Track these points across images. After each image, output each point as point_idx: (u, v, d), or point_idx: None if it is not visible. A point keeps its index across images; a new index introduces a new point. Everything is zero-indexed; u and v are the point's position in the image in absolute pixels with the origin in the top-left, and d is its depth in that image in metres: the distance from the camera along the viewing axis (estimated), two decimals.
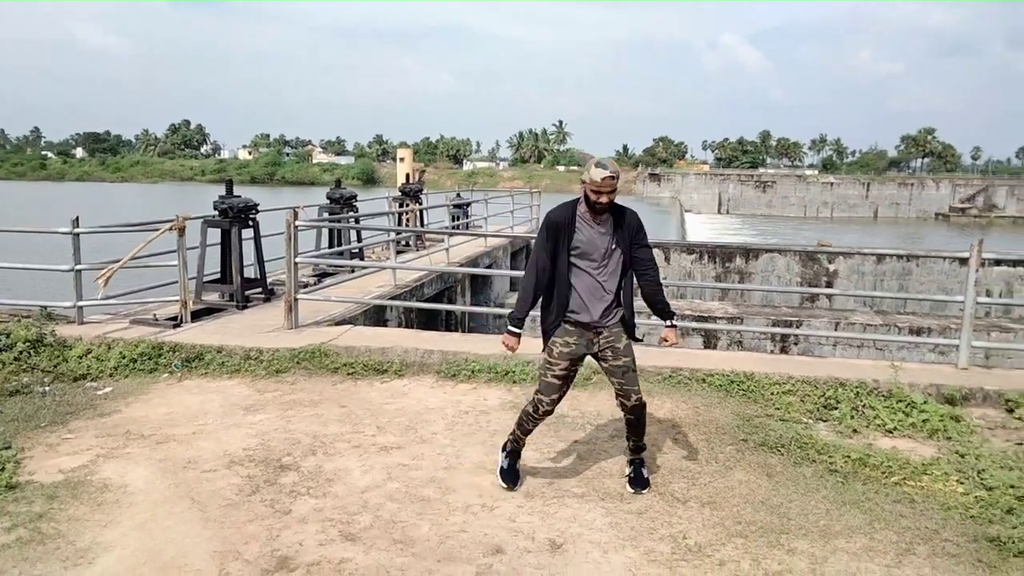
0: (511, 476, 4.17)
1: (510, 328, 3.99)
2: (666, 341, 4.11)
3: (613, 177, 3.73)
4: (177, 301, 7.44)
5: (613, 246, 3.91)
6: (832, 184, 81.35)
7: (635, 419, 4.10)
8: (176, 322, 7.26)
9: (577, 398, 5.66)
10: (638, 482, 4.14)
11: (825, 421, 5.31)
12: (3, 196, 65.51)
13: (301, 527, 3.68)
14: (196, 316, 7.66)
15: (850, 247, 22.56)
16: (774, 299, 16.11)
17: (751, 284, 16.20)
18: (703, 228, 56.97)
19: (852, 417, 5.28)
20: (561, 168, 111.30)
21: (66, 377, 6.05)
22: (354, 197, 12.15)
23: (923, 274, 16.44)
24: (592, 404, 5.54)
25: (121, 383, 6.01)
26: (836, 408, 5.42)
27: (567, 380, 4.02)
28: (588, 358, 4.11)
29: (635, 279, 4.07)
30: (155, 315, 7.50)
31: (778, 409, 5.44)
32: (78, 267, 7.26)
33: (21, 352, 6.21)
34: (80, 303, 7.29)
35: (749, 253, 16.87)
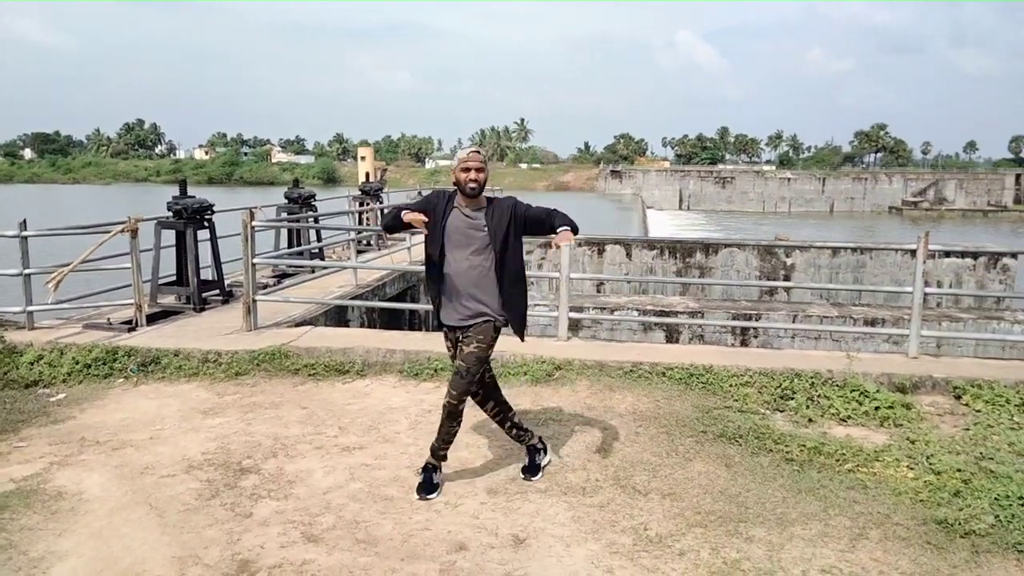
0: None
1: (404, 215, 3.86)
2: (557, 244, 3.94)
3: (478, 151, 3.90)
4: (131, 304, 7.29)
5: (490, 238, 3.85)
6: (789, 179, 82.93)
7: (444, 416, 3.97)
8: (131, 326, 7.11)
9: (539, 393, 5.70)
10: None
11: (782, 411, 5.43)
12: None
13: (262, 530, 3.65)
14: (152, 319, 7.51)
15: (806, 241, 23.02)
16: (734, 293, 16.37)
17: (711, 279, 16.42)
18: (665, 224, 57.58)
19: (807, 407, 5.40)
20: (523, 166, 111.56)
21: (17, 384, 5.89)
22: (313, 196, 12.03)
23: (876, 266, 16.84)
24: (555, 400, 5.57)
25: (75, 389, 5.87)
26: (792, 398, 5.54)
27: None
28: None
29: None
30: (109, 319, 7.34)
31: (736, 401, 5.54)
32: (27, 271, 7.06)
33: None
34: (30, 308, 7.09)
35: (709, 248, 17.09)
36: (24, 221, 7.06)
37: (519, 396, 5.62)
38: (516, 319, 3.99)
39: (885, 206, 77.62)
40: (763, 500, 3.97)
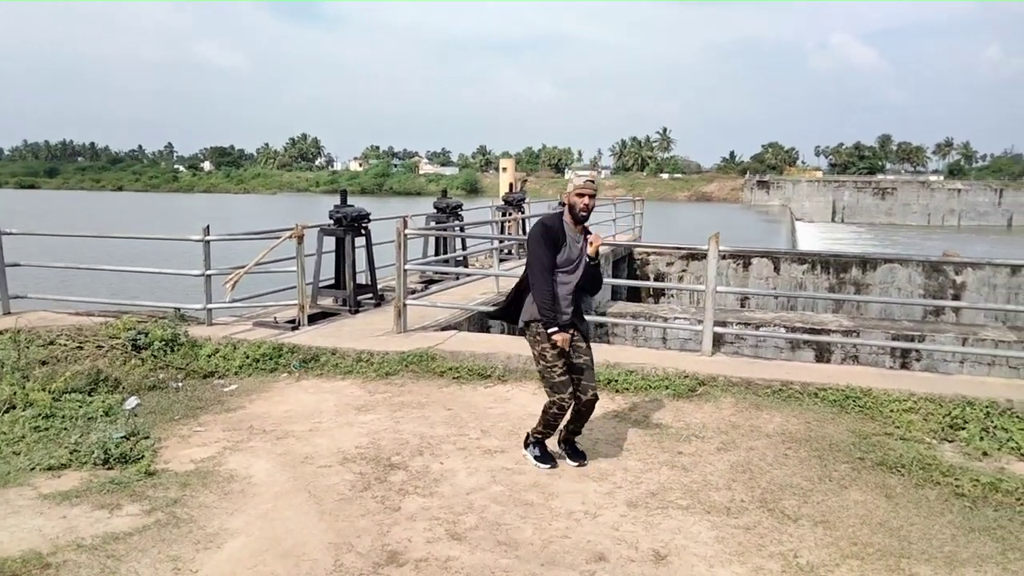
0: (549, 457, 4.53)
1: (553, 331, 4.25)
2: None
3: (592, 180, 4.25)
4: (295, 305, 7.85)
5: (583, 256, 4.37)
6: (960, 190, 76.07)
7: (586, 411, 4.46)
8: (294, 325, 7.66)
9: (681, 408, 5.58)
10: (576, 455, 4.57)
11: (951, 442, 5.00)
12: (141, 207, 70.98)
13: (410, 524, 3.81)
14: (312, 319, 8.05)
15: (980, 257, 21.00)
16: (894, 312, 15.23)
17: (868, 296, 15.38)
18: (816, 237, 54.51)
19: (982, 439, 4.94)
20: (665, 176, 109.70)
21: (197, 374, 6.50)
22: (460, 206, 12.44)
23: None
24: (698, 416, 5.44)
25: (245, 381, 6.40)
26: (963, 428, 5.09)
27: (570, 371, 4.34)
28: None
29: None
30: (275, 318, 7.95)
31: (898, 427, 5.16)
32: (208, 272, 7.79)
33: (158, 350, 6.73)
34: (210, 306, 7.82)
35: (866, 263, 16.01)
36: (208, 227, 7.80)
37: (659, 410, 5.53)
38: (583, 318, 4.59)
39: None
40: (929, 536, 3.68)
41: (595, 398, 4.42)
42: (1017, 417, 5.15)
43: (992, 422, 5.13)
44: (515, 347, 6.93)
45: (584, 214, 4.27)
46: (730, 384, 5.95)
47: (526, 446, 4.64)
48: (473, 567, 3.40)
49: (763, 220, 61.92)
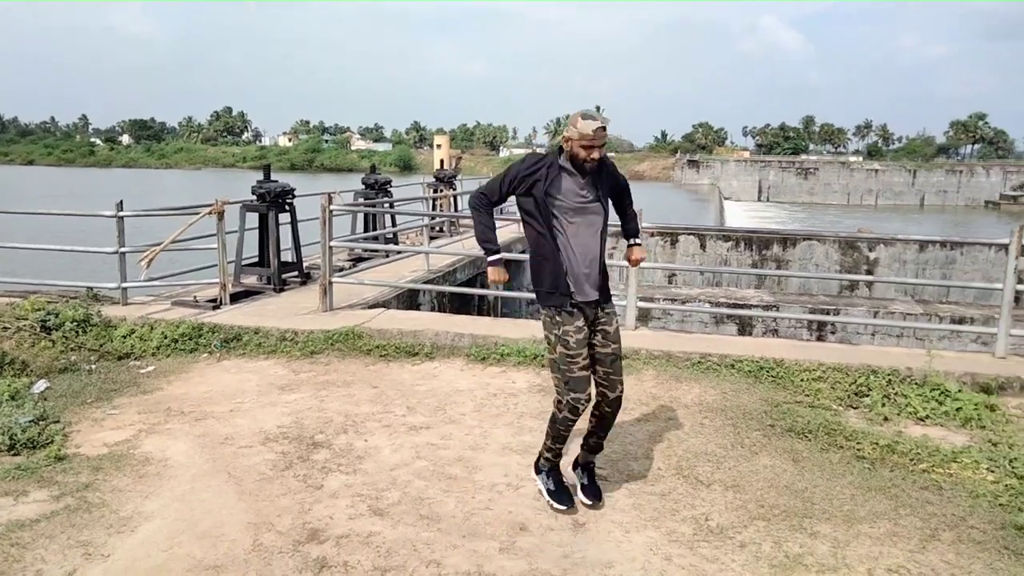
0: (565, 493, 3.75)
1: (491, 260, 3.73)
2: (632, 259, 3.94)
3: (604, 128, 3.40)
4: (216, 284, 7.65)
5: (598, 205, 3.55)
6: (877, 171, 79.38)
7: (611, 413, 3.69)
8: (215, 304, 7.47)
9: None
10: (594, 493, 3.78)
11: (855, 408, 5.27)
12: (55, 182, 67.43)
13: (332, 502, 3.80)
14: (235, 298, 7.86)
15: (891, 234, 22.05)
16: (811, 287, 15.88)
17: (788, 271, 15.96)
18: (742, 216, 56.16)
19: (883, 405, 5.23)
20: None
21: (111, 356, 6.28)
22: (389, 183, 12.29)
23: (967, 263, 16.03)
24: None
25: (163, 362, 6.22)
26: (867, 395, 5.37)
27: (592, 366, 3.61)
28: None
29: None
30: (195, 297, 7.72)
31: (807, 396, 5.41)
32: (122, 249, 7.50)
33: (69, 331, 6.45)
34: (124, 284, 7.53)
35: (787, 240, 16.61)
36: (121, 202, 7.49)
37: None
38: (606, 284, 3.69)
39: (981, 200, 73.39)
40: (830, 496, 3.89)
41: (621, 395, 3.66)
42: (916, 384, 5.47)
43: (893, 389, 5.43)
44: (443, 324, 6.95)
45: (593, 164, 3.47)
46: (652, 357, 6.11)
47: (537, 472, 3.88)
48: (395, 541, 3.43)
49: (693, 199, 63.30)
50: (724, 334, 12.74)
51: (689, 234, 16.90)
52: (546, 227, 3.54)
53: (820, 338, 13.37)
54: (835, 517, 3.67)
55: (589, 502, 3.76)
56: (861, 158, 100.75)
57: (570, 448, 4.05)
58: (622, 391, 3.69)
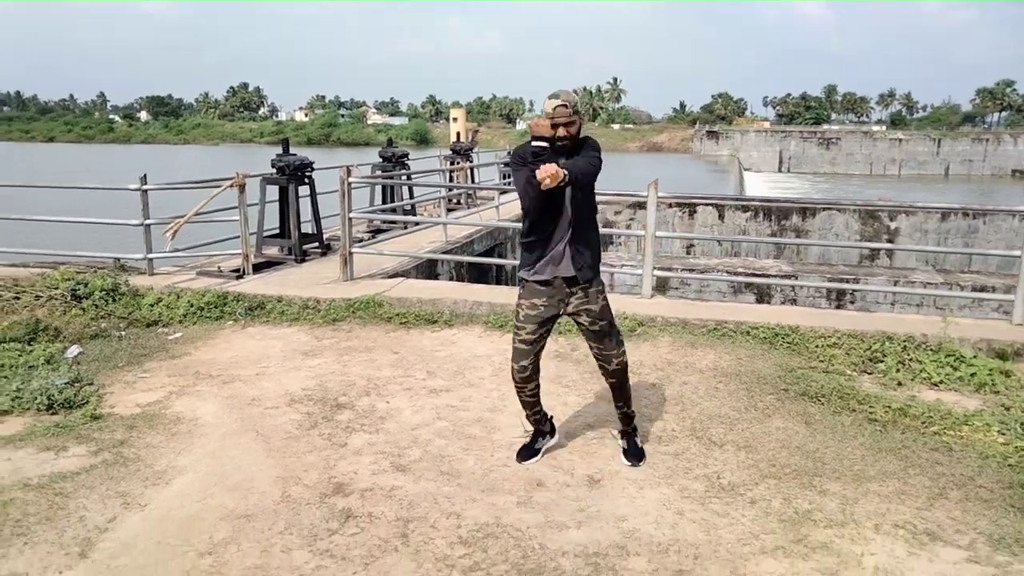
0: (529, 450, 3.97)
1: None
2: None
3: (565, 105, 3.34)
4: (239, 254, 7.80)
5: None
6: (900, 140, 78.09)
7: (617, 383, 3.80)
8: (239, 274, 7.63)
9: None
10: (632, 454, 3.91)
11: (870, 374, 5.33)
12: (73, 158, 68.11)
13: (356, 458, 3.95)
14: (257, 269, 8.02)
15: (912, 203, 21.79)
16: (831, 257, 15.81)
17: (807, 240, 15.89)
18: (762, 187, 55.66)
19: (898, 370, 5.28)
20: (616, 127, 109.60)
21: (139, 323, 6.46)
22: (406, 156, 12.35)
23: (990, 232, 15.86)
24: (636, 355, 5.65)
25: (190, 329, 6.39)
26: (882, 361, 5.42)
27: (537, 344, 3.66)
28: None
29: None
30: (219, 267, 7.89)
31: (822, 361, 5.48)
32: (147, 222, 7.66)
33: (98, 300, 6.64)
34: (150, 255, 7.71)
35: (806, 210, 16.51)
36: (144, 176, 7.64)
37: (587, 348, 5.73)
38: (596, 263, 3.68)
39: (1008, 169, 72.09)
40: (841, 457, 3.97)
41: (622, 365, 3.73)
42: (931, 350, 5.51)
43: (908, 355, 5.48)
44: (461, 293, 7.06)
45: (565, 143, 3.40)
46: (668, 324, 6.19)
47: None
48: (416, 495, 3.57)
49: (712, 170, 62.69)
50: (742, 303, 12.75)
51: (707, 204, 16.85)
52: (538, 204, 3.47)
53: (839, 307, 13.34)
54: (845, 476, 3.76)
55: (628, 463, 3.89)
56: (884, 127, 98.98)
57: (583, 387, 4.13)
58: (619, 362, 3.74)
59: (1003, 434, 4.18)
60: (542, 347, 3.72)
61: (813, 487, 3.65)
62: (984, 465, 3.86)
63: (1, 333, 5.65)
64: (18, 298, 6.61)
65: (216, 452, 4.02)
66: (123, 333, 6.20)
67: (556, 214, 3.49)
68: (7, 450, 3.98)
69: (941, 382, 5.11)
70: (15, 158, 65.93)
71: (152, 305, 6.76)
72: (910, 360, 5.41)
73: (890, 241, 15.86)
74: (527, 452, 3.98)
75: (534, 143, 3.44)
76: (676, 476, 3.78)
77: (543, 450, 4.01)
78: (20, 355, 5.40)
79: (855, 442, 4.15)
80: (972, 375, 5.14)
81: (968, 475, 3.75)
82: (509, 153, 18.24)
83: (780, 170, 77.41)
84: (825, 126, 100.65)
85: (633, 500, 3.54)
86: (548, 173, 3.16)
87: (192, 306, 6.71)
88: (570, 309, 3.65)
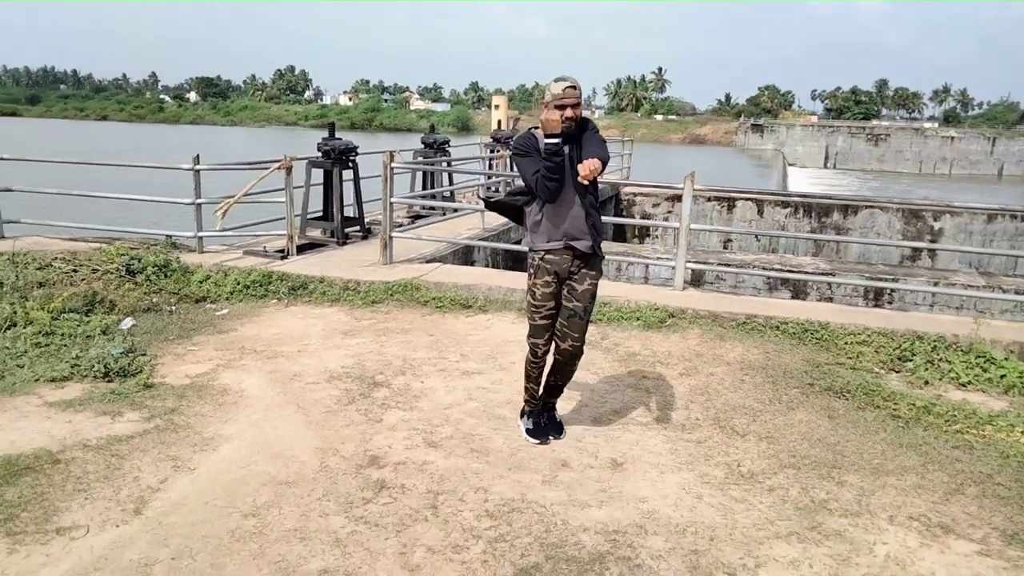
0: (540, 430, 4.12)
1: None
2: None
3: (574, 87, 3.55)
4: (284, 235, 8.07)
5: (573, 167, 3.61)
6: (953, 138, 75.90)
7: (562, 362, 3.94)
8: (283, 254, 7.90)
9: (650, 339, 5.91)
10: (527, 428, 4.14)
11: (898, 372, 5.37)
12: (127, 137, 69.90)
13: (390, 433, 4.15)
14: (300, 250, 8.29)
15: (957, 203, 21.29)
16: (871, 256, 15.59)
17: (846, 238, 15.68)
18: (806, 183, 54.62)
19: (926, 369, 5.31)
20: (659, 117, 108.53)
21: (189, 298, 6.76)
22: (447, 142, 12.53)
23: None
24: (664, 345, 5.77)
25: (236, 306, 6.68)
26: (911, 360, 5.45)
27: (552, 319, 3.86)
28: None
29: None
30: (265, 247, 8.17)
31: (850, 358, 5.52)
32: (198, 201, 7.97)
33: (151, 275, 6.97)
34: (200, 234, 8.02)
35: (848, 208, 16.27)
36: (197, 156, 7.94)
37: (629, 340, 5.86)
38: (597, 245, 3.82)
39: None
40: (861, 451, 4.05)
41: (574, 349, 3.84)
42: (961, 351, 5.52)
43: (938, 355, 5.50)
44: (496, 280, 7.23)
45: (570, 125, 3.58)
46: (697, 317, 6.28)
47: (521, 416, 4.26)
48: (447, 469, 3.75)
49: (755, 165, 61.83)
50: (775, 299, 12.70)
51: (746, 199, 16.73)
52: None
53: (877, 306, 13.19)
54: (863, 469, 3.85)
55: (537, 440, 4.08)
56: (936, 124, 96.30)
57: (611, 375, 4.27)
58: (571, 346, 3.84)
59: None
60: (555, 322, 3.89)
61: (831, 478, 3.75)
62: (1004, 464, 3.91)
63: (61, 303, 5.98)
64: (76, 271, 6.97)
65: (260, 422, 4.26)
66: (173, 308, 6.51)
67: (571, 196, 3.71)
68: (68, 413, 4.28)
69: (969, 383, 5.13)
70: (68, 138, 67.88)
71: (201, 282, 7.06)
72: (939, 360, 5.43)
73: (933, 242, 15.57)
74: (544, 431, 4.14)
75: (547, 140, 3.61)
76: (697, 462, 3.91)
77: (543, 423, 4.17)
78: (78, 325, 5.73)
79: (876, 437, 4.22)
80: (1002, 377, 5.14)
81: (987, 472, 3.81)
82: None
83: (826, 166, 75.92)
84: (874, 122, 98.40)
85: (654, 483, 3.68)
86: (590, 168, 3.42)
87: (239, 284, 6.99)
88: (564, 278, 3.81)
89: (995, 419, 4.40)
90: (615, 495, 3.56)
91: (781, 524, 3.33)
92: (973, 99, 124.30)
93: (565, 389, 4.27)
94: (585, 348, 3.93)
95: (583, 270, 3.80)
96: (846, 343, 5.73)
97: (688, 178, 6.76)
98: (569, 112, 3.57)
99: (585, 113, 3.70)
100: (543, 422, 4.19)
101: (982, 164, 73.30)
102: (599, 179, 3.63)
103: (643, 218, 17.66)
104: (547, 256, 3.78)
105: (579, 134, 3.67)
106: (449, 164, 12.10)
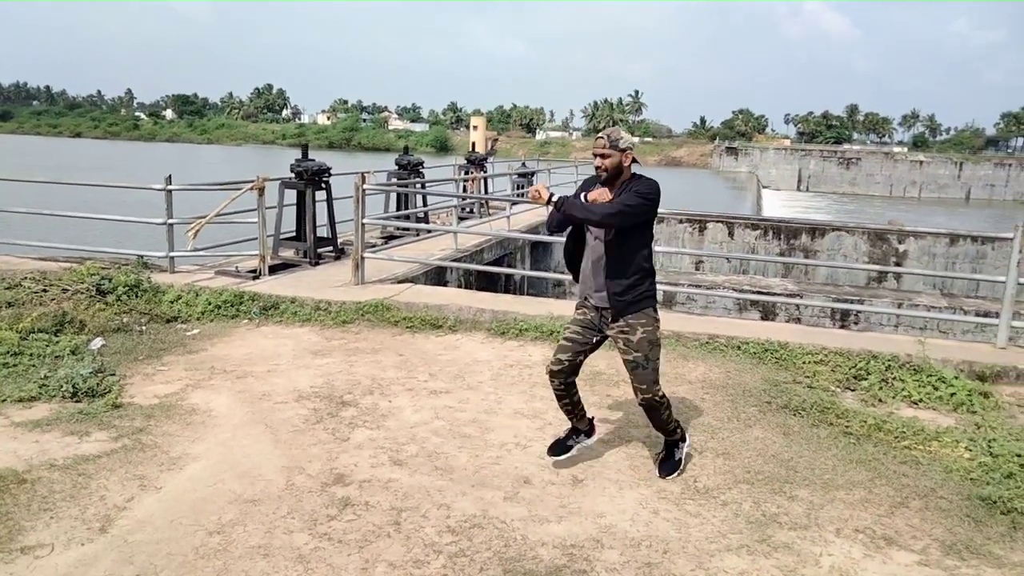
0: (554, 448, 4.14)
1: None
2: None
3: (602, 137, 3.74)
4: (256, 256, 8.13)
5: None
6: (922, 163, 77.76)
7: (646, 412, 4.00)
8: (255, 274, 7.96)
9: (615, 357, 6.03)
10: (665, 466, 4.08)
11: (853, 391, 5.54)
12: (100, 155, 69.27)
13: (357, 452, 4.23)
14: (273, 270, 8.34)
15: (921, 227, 21.82)
16: (839, 278, 15.95)
17: (814, 260, 16.04)
18: (779, 206, 55.52)
19: (880, 388, 5.49)
20: (636, 140, 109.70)
21: (160, 318, 6.78)
22: (421, 164, 12.68)
23: (999, 258, 15.89)
24: None
25: (207, 326, 6.71)
26: (865, 379, 5.64)
27: (578, 345, 3.91)
28: None
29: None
30: (237, 267, 8.22)
31: (807, 377, 5.69)
32: (170, 221, 8.01)
33: (122, 295, 6.98)
34: (172, 253, 8.06)
35: (815, 231, 16.67)
36: (169, 177, 7.99)
37: (594, 359, 5.97)
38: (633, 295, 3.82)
39: None
40: (813, 466, 4.20)
41: (645, 402, 3.87)
42: (914, 369, 5.72)
43: (892, 374, 5.69)
44: (466, 300, 7.34)
45: (602, 174, 3.76)
46: (662, 337, 6.41)
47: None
48: (411, 487, 3.84)
49: (730, 187, 62.77)
50: (739, 319, 12.94)
51: (717, 222, 17.05)
52: (578, 233, 3.99)
53: (843, 327, 13.50)
54: (814, 484, 3.99)
55: (658, 473, 4.07)
56: (906, 149, 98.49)
57: None
58: (644, 399, 3.87)
59: (970, 450, 4.38)
60: (582, 351, 3.92)
61: (783, 493, 3.88)
62: (947, 478, 4.08)
63: (30, 324, 5.98)
64: (46, 291, 6.97)
65: (227, 442, 4.31)
66: (144, 328, 6.53)
67: (584, 245, 3.92)
68: (35, 433, 4.30)
69: (920, 400, 5.31)
70: (42, 153, 67.13)
71: (172, 302, 7.09)
72: (893, 379, 5.62)
73: (898, 264, 15.98)
74: (558, 447, 4.14)
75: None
76: (655, 479, 4.02)
77: (576, 447, 4.16)
78: (47, 345, 5.74)
79: (828, 453, 4.38)
80: (952, 395, 5.34)
81: (931, 487, 3.97)
82: (524, 164, 18.59)
83: (799, 189, 77.27)
84: (846, 146, 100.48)
85: (613, 499, 3.79)
86: (592, 197, 3.73)
87: (210, 304, 7.03)
88: (609, 333, 3.89)
89: (941, 435, 4.58)
90: (574, 511, 3.66)
91: (733, 537, 3.45)
92: (940, 124, 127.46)
93: (669, 438, 4.15)
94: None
95: (630, 320, 3.79)
96: (804, 362, 5.91)
97: None
98: (598, 161, 3.77)
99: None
100: (565, 438, 4.16)
101: (950, 188, 75.08)
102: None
103: None
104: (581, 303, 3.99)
105: (621, 186, 3.74)
106: (423, 186, 12.24)
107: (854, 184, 76.86)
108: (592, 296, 3.89)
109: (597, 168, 3.79)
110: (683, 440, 4.17)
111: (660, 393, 3.90)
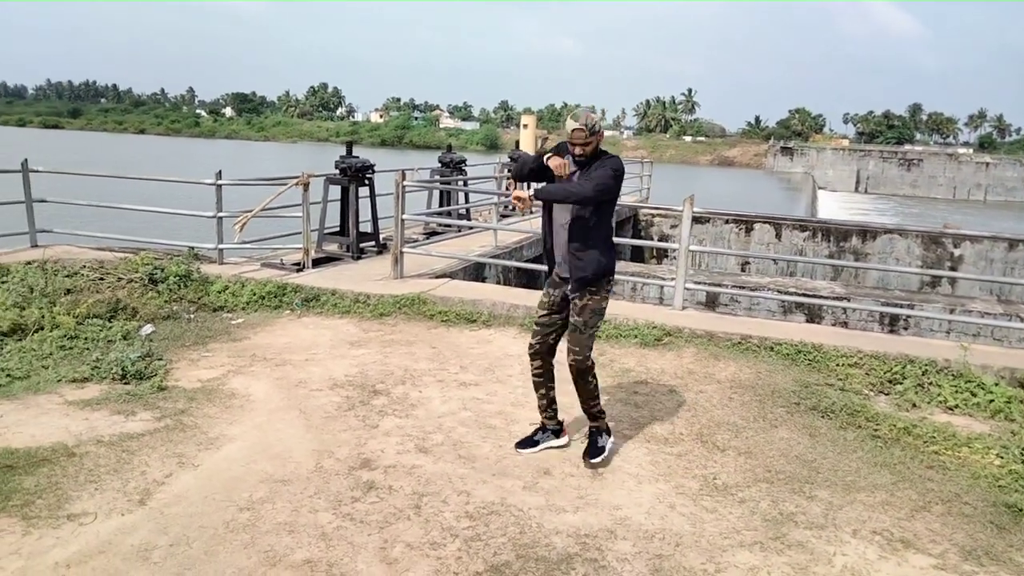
0: (526, 440, 4.33)
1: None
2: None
3: (582, 129, 3.76)
4: (300, 249, 8.38)
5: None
6: (988, 164, 74.78)
7: (573, 377, 4.09)
8: (299, 267, 8.21)
9: (645, 356, 6.08)
10: (590, 451, 4.16)
11: (887, 395, 5.46)
12: (161, 151, 71.67)
13: (384, 439, 4.37)
14: (316, 263, 8.59)
15: (978, 230, 21.07)
16: (889, 282, 15.54)
17: (864, 264, 15.66)
18: (837, 208, 54.10)
19: (915, 392, 5.40)
20: (688, 139, 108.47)
21: (207, 307, 7.07)
22: (463, 161, 12.84)
23: None
24: (659, 362, 5.93)
25: (251, 315, 6.97)
26: (900, 383, 5.55)
27: (545, 328, 4.16)
28: None
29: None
30: (282, 260, 8.49)
31: (840, 380, 5.63)
32: (220, 214, 8.32)
33: (172, 284, 7.30)
34: (221, 246, 8.37)
35: (867, 233, 16.25)
36: (220, 172, 8.30)
37: (624, 357, 6.03)
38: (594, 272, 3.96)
39: None
40: (836, 468, 4.18)
41: (576, 363, 4.01)
42: (952, 375, 5.60)
43: (928, 379, 5.59)
44: (501, 296, 7.44)
45: (577, 159, 3.87)
46: (694, 336, 6.43)
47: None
48: (434, 473, 3.96)
49: (784, 188, 61.50)
50: (771, 321, 12.73)
51: (764, 222, 16.79)
52: (545, 210, 4.11)
53: (892, 332, 13.17)
54: (835, 485, 3.97)
55: (583, 461, 4.16)
56: (972, 150, 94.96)
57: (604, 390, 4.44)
58: (573, 359, 4.02)
59: (1001, 457, 4.30)
60: (551, 332, 4.19)
61: (802, 493, 3.88)
62: (974, 484, 4.01)
63: (86, 310, 6.31)
64: (102, 279, 7.33)
65: (263, 425, 4.51)
66: (192, 316, 6.82)
67: (556, 226, 4.05)
68: (85, 411, 4.56)
69: (956, 406, 5.21)
70: (110, 148, 69.75)
71: (219, 292, 7.38)
72: (929, 384, 5.52)
73: (952, 269, 15.49)
74: (526, 442, 4.33)
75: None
76: (675, 474, 4.06)
77: (542, 445, 4.32)
78: (101, 330, 6.05)
79: (853, 455, 4.34)
80: (990, 402, 5.22)
81: (956, 492, 3.92)
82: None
83: (857, 190, 75.20)
84: (907, 146, 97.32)
85: (630, 492, 3.85)
86: (555, 163, 3.82)
87: (255, 295, 7.30)
88: (571, 298, 4.09)
89: (973, 441, 4.50)
90: (591, 502, 3.73)
91: (747, 534, 3.47)
92: (1011, 124, 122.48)
93: (591, 411, 4.22)
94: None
95: (583, 288, 3.99)
96: (838, 364, 5.85)
97: (687, 201, 6.94)
98: (578, 150, 3.86)
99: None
100: (532, 434, 4.37)
101: (1019, 191, 72.04)
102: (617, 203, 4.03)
103: (660, 239, 17.80)
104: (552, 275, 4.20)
105: (590, 163, 3.89)
106: (465, 183, 12.39)
107: (915, 186, 74.38)
108: (561, 268, 4.07)
109: (576, 156, 3.88)
110: (608, 433, 4.28)
111: (591, 361, 4.05)
